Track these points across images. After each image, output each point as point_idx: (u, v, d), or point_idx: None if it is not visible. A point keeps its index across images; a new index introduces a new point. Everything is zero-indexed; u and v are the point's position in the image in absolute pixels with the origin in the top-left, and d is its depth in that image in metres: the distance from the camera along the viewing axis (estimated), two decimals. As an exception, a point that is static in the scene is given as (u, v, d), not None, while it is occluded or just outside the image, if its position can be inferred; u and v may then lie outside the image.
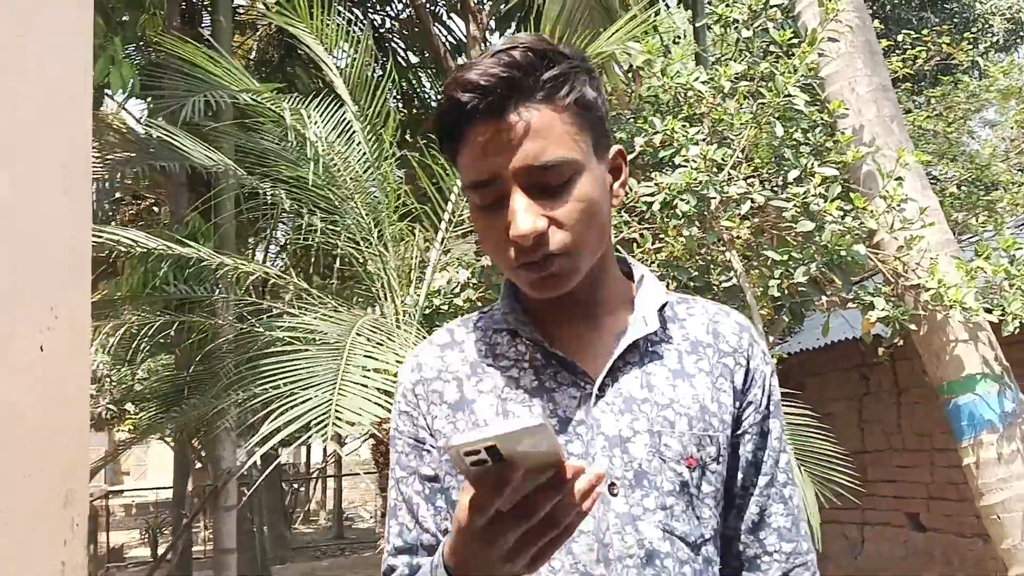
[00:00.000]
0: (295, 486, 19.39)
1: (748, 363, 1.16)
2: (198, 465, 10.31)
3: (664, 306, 1.16)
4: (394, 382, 3.33)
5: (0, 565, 0.58)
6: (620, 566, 1.04)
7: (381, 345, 3.46)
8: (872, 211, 4.05)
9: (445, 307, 4.42)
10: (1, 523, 0.60)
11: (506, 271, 1.09)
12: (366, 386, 3.02)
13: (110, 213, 9.47)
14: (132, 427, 13.07)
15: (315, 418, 2.83)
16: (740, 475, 1.16)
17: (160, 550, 11.59)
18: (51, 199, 0.78)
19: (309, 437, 2.88)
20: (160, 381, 9.69)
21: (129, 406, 12.64)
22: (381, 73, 4.91)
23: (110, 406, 13.29)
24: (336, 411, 2.78)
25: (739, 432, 1.15)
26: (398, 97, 9.30)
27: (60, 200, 0.79)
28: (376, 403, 2.96)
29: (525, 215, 1.00)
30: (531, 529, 0.83)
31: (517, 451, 0.77)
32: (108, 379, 12.75)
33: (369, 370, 3.18)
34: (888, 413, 7.31)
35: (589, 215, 1.03)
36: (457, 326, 1.23)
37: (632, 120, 4.98)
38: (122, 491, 21.55)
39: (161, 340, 7.57)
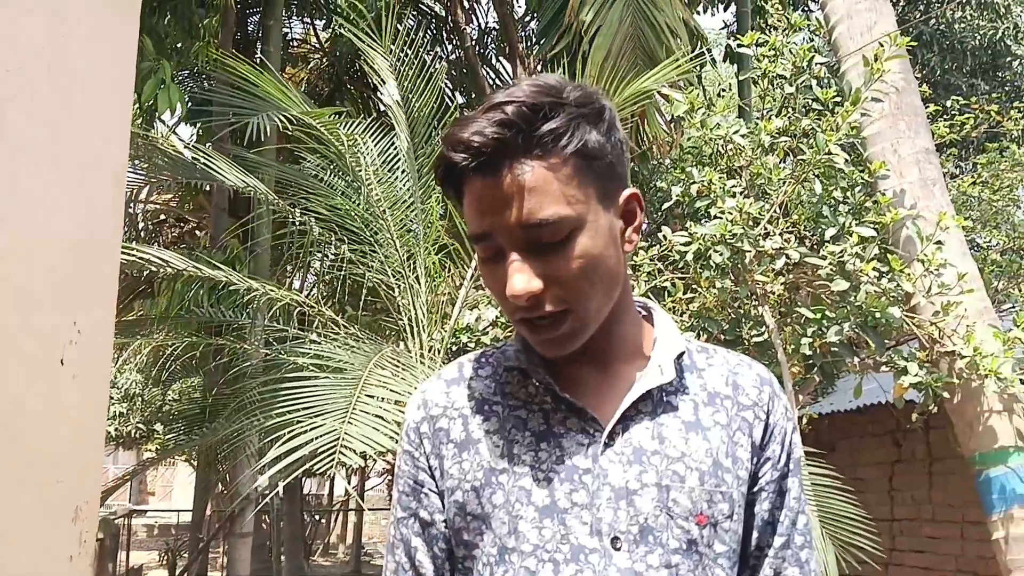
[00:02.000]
0: (316, 517, 19.34)
1: (768, 417, 1.12)
2: (220, 489, 10.33)
3: (682, 355, 1.12)
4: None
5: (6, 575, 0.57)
6: None
7: (400, 377, 3.45)
8: (909, 274, 4.00)
9: (472, 344, 4.41)
10: (9, 534, 0.59)
11: (511, 322, 1.08)
12: (381, 417, 3.01)
13: (153, 233, 9.64)
14: (160, 447, 13.16)
15: (323, 446, 2.82)
16: (755, 534, 1.11)
17: (177, 572, 11.57)
18: (81, 214, 0.78)
19: (320, 465, 2.86)
20: (188, 402, 9.77)
21: (158, 426, 12.74)
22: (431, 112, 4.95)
23: (140, 424, 13.40)
24: (344, 440, 2.77)
25: (755, 489, 1.11)
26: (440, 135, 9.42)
27: (90, 216, 0.79)
28: (386, 434, 2.94)
29: (519, 277, 0.99)
30: None
31: None
32: (139, 398, 12.87)
33: (383, 400, 3.17)
34: (920, 482, 7.14)
35: (591, 270, 1.00)
36: (468, 361, 1.20)
37: (671, 169, 4.98)
38: (145, 511, 21.65)
39: (192, 362, 7.65)
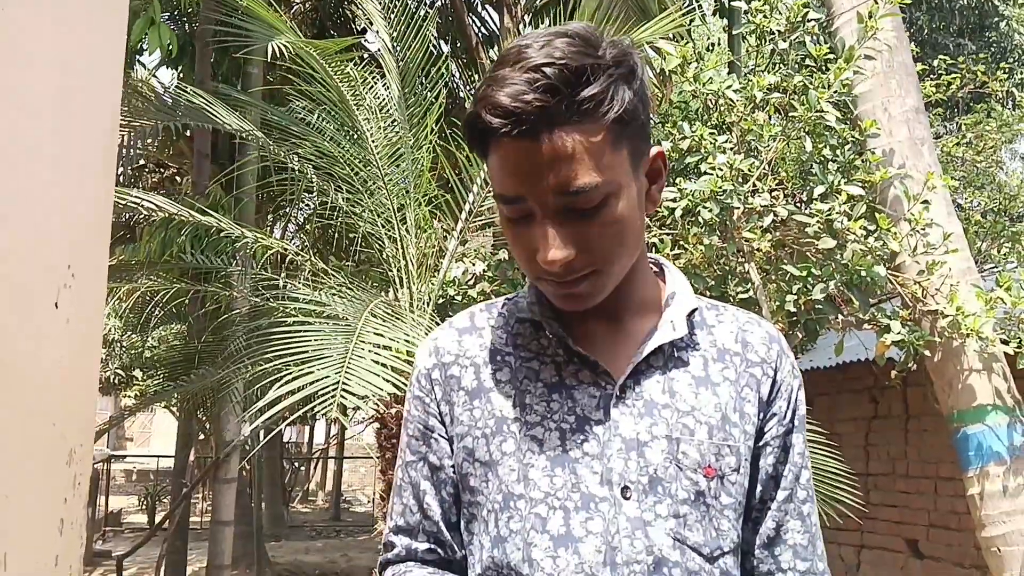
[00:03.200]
0: (296, 465, 19.46)
1: (775, 375, 1.14)
2: (201, 436, 10.35)
3: (694, 312, 1.14)
4: (402, 360, 3.34)
5: (2, 518, 0.58)
6: (626, 570, 1.02)
7: (392, 326, 3.46)
8: (896, 233, 4.02)
9: (459, 298, 4.42)
10: (4, 477, 0.59)
11: (531, 280, 1.08)
12: (376, 362, 3.04)
13: (132, 179, 9.52)
14: (139, 393, 13.14)
15: (322, 390, 2.83)
16: (759, 488, 1.14)
17: (157, 518, 11.64)
18: (75, 158, 0.77)
19: (317, 410, 2.89)
20: (170, 349, 9.74)
21: (137, 372, 12.71)
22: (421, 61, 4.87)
23: (119, 371, 13.35)
24: (345, 385, 2.79)
25: (761, 444, 1.13)
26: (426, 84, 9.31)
27: (84, 160, 0.78)
28: (385, 379, 2.97)
29: (554, 244, 0.98)
30: None
31: None
32: (119, 344, 12.81)
33: (379, 347, 3.19)
34: (895, 438, 7.26)
35: (621, 235, 1.01)
36: (480, 311, 1.21)
37: (660, 124, 4.96)
38: (124, 456, 21.69)
39: (174, 309, 7.61)
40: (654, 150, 1.07)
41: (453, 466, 1.13)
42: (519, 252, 1.04)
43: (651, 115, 1.08)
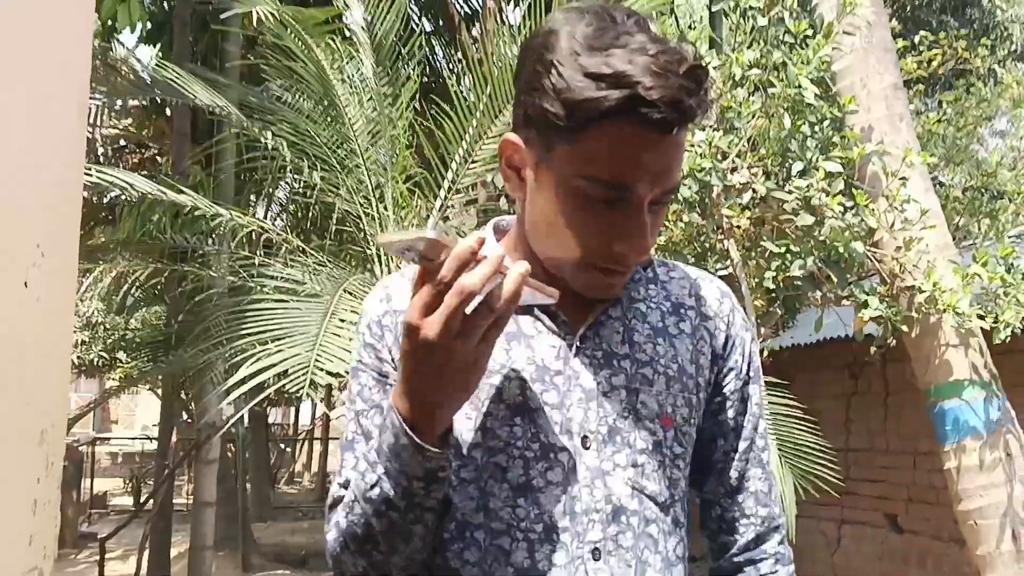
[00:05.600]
0: (282, 447, 19.47)
1: (729, 328, 1.17)
2: (186, 418, 10.33)
3: (649, 265, 1.17)
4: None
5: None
6: (586, 519, 1.03)
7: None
8: (873, 209, 4.03)
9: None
10: None
11: (569, 263, 1.05)
12: (352, 340, 3.03)
13: (113, 159, 9.46)
14: (123, 375, 13.10)
15: (295, 368, 2.83)
16: (721, 440, 1.18)
17: (143, 500, 11.64)
18: (42, 132, 0.76)
19: (289, 388, 2.88)
20: (153, 330, 9.71)
21: (121, 354, 12.67)
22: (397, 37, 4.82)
23: (102, 353, 13.30)
24: (317, 362, 2.78)
25: (719, 398, 1.16)
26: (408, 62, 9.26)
27: (51, 134, 0.78)
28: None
29: (647, 238, 1.00)
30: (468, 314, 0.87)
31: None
32: (102, 326, 12.76)
33: (354, 325, 3.19)
34: (875, 413, 7.31)
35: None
36: None
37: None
38: (109, 439, 21.64)
39: (154, 290, 7.58)
40: None
41: None
42: (592, 234, 1.01)
43: None
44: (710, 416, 1.17)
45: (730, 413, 1.17)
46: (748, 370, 1.19)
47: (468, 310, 0.88)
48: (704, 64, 0.94)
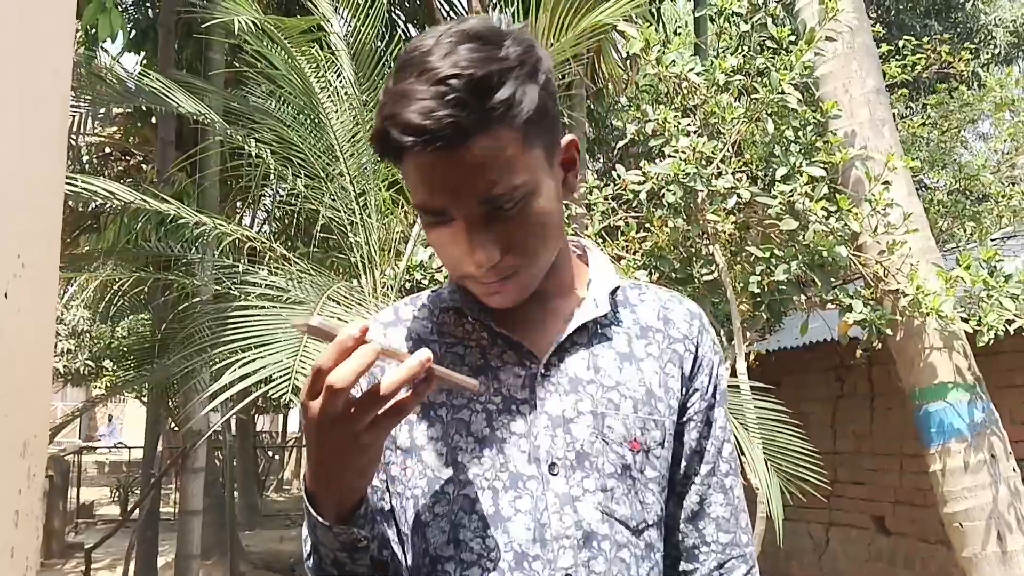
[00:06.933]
0: (270, 454, 19.41)
1: (697, 350, 1.16)
2: (173, 426, 10.29)
3: (616, 290, 1.15)
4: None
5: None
6: (556, 546, 1.03)
7: (352, 310, 3.46)
8: (857, 213, 4.05)
9: (426, 281, 4.41)
10: None
11: (457, 281, 1.09)
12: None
13: (98, 167, 9.42)
14: (109, 383, 13.03)
15: (277, 374, 2.82)
16: (683, 463, 1.15)
17: (130, 509, 11.58)
18: (20, 143, 0.76)
19: (271, 395, 2.87)
20: (137, 338, 9.66)
21: (107, 362, 12.61)
22: (380, 44, 4.82)
23: (88, 361, 13.24)
24: (300, 367, 2.78)
25: (684, 419, 1.15)
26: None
27: (31, 145, 0.77)
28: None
29: (479, 249, 0.99)
30: (365, 401, 0.88)
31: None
32: (87, 334, 12.71)
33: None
34: (861, 416, 7.34)
35: (543, 229, 1.02)
36: (404, 304, 1.21)
37: (627, 108, 4.96)
38: (95, 448, 21.53)
39: (139, 298, 7.55)
40: (566, 139, 1.07)
41: (386, 449, 1.12)
42: (445, 257, 1.04)
43: (559, 109, 1.07)
44: (675, 438, 1.14)
45: (693, 435, 1.15)
46: (714, 393, 1.17)
47: (356, 395, 0.90)
48: (463, 71, 0.91)
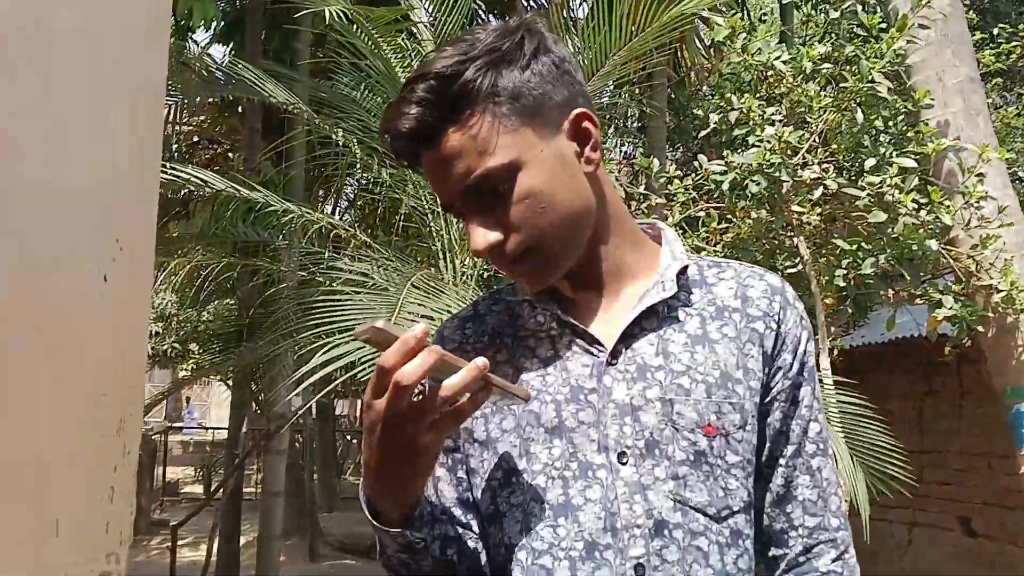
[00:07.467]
0: (348, 438, 19.73)
1: (779, 327, 1.12)
2: (256, 409, 10.53)
3: (685, 270, 1.14)
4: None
5: (52, 485, 0.60)
6: (627, 535, 1.02)
7: (435, 297, 3.50)
8: (949, 206, 3.94)
9: (503, 272, 4.43)
10: (58, 445, 0.61)
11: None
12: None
13: (187, 155, 9.67)
14: (195, 366, 13.38)
15: (365, 358, 2.87)
16: (768, 445, 1.12)
17: (213, 488, 11.90)
18: (121, 128, 0.79)
19: (360, 377, 2.93)
20: (224, 323, 9.91)
21: (194, 346, 12.95)
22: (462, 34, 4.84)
23: (175, 344, 13.60)
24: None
25: (767, 399, 1.12)
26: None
27: (130, 129, 0.80)
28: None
29: (475, 234, 1.05)
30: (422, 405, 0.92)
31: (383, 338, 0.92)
32: (175, 318, 13.05)
33: (421, 317, 3.23)
34: (949, 415, 7.15)
35: (541, 206, 1.03)
36: (483, 299, 1.24)
37: (709, 96, 4.90)
38: (181, 428, 22.16)
39: (227, 284, 7.74)
40: (575, 112, 1.08)
41: (466, 443, 1.15)
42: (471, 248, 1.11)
43: (568, 79, 1.08)
44: (759, 420, 1.11)
45: (777, 415, 1.12)
46: (801, 370, 1.13)
47: (416, 398, 0.93)
48: (422, 74, 1.02)
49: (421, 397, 0.93)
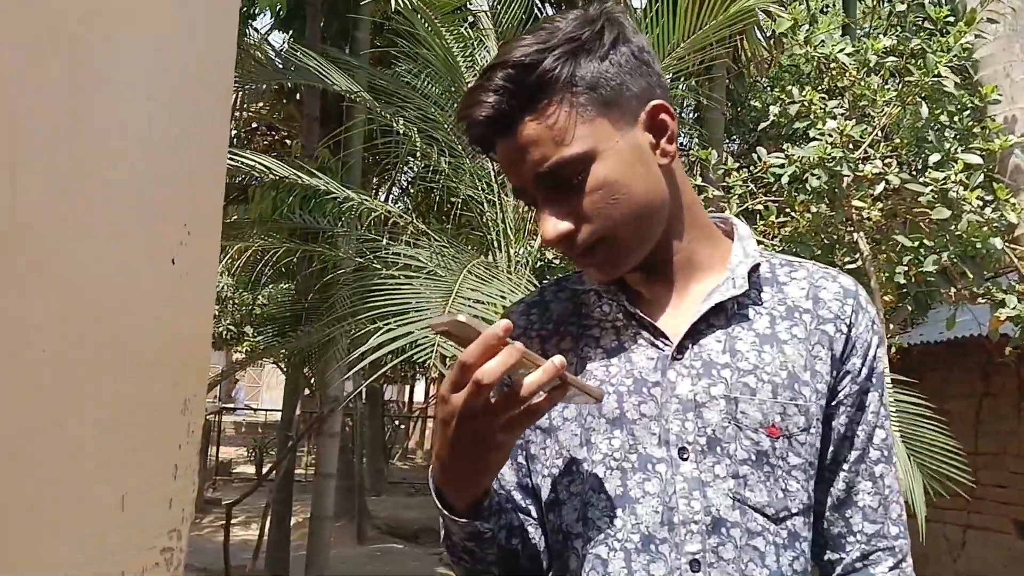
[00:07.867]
0: (396, 423, 19.90)
1: (850, 331, 1.11)
2: (307, 392, 10.67)
3: (756, 267, 1.13)
4: (499, 315, 3.41)
5: (120, 462, 0.62)
6: (684, 531, 1.02)
7: (489, 284, 3.52)
8: (1015, 204, 3.85)
9: (558, 260, 4.43)
10: (125, 423, 0.64)
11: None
12: (475, 316, 3.10)
13: (245, 141, 9.81)
14: (249, 349, 13.59)
15: (420, 340, 2.90)
16: (831, 448, 1.11)
17: (264, 469, 12.10)
18: (191, 114, 0.81)
19: (416, 359, 2.97)
20: (279, 307, 10.05)
21: (248, 329, 13.15)
22: (520, 23, 4.86)
23: (231, 327, 13.82)
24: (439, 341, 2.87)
25: (834, 403, 1.11)
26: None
27: (200, 116, 0.82)
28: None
29: (546, 223, 1.05)
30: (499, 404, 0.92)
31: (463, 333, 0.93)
32: (231, 301, 13.26)
33: (476, 303, 3.25)
34: (1007, 416, 7.01)
35: (615, 197, 1.03)
36: (550, 286, 1.24)
37: (769, 88, 4.84)
38: (234, 409, 22.52)
39: (283, 268, 7.85)
40: (651, 104, 1.07)
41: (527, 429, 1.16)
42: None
43: (646, 69, 1.08)
44: (824, 423, 1.10)
45: (842, 420, 1.11)
46: (869, 376, 1.11)
47: (493, 394, 0.92)
48: (504, 61, 1.02)
49: (498, 395, 0.92)
